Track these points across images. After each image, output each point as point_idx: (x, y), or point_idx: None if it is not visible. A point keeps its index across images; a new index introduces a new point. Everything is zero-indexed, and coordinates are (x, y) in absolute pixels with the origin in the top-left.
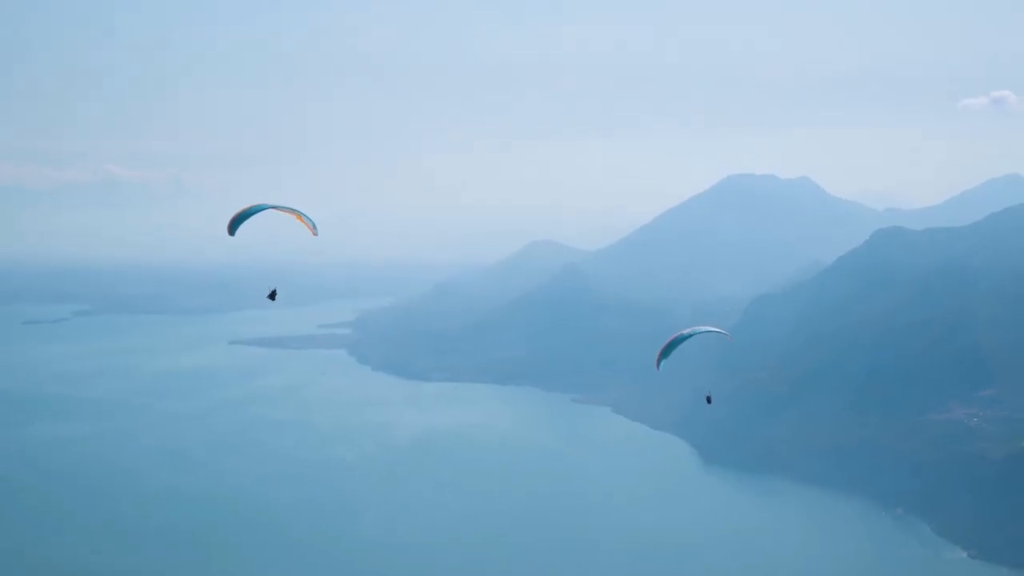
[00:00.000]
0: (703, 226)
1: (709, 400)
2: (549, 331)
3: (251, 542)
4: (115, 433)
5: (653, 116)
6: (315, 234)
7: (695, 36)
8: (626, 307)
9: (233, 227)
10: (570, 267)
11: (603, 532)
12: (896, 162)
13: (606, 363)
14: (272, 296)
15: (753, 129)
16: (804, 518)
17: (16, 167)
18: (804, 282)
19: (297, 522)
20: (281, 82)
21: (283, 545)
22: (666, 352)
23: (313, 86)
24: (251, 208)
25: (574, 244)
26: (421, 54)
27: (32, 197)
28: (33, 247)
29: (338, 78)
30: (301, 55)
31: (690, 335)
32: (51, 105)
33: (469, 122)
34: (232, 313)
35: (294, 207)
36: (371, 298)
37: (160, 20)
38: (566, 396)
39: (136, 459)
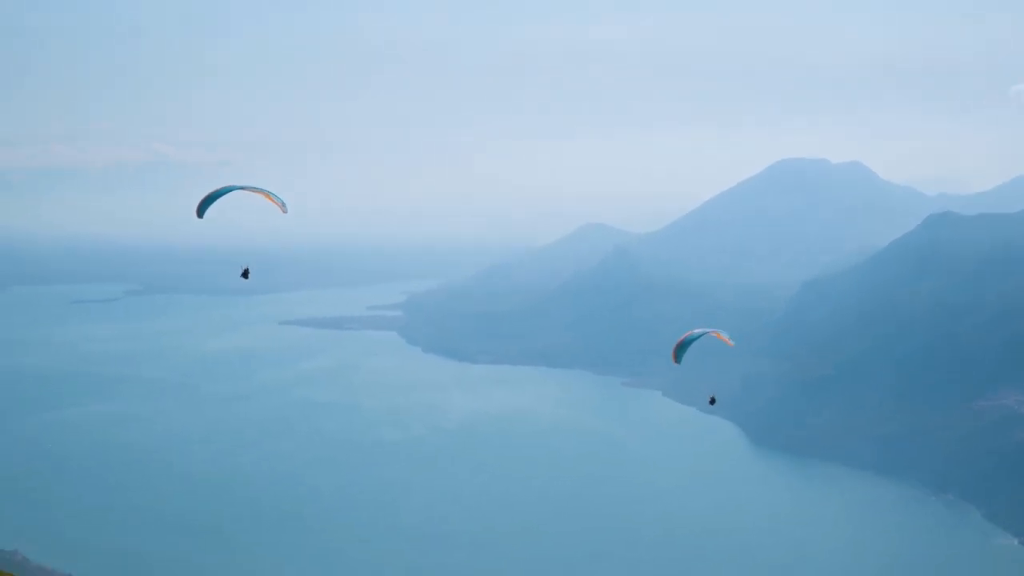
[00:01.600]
0: (753, 210)
1: (713, 401)
2: (599, 314)
3: (296, 526)
4: (161, 414)
5: (704, 101)
6: (284, 212)
7: (746, 21)
8: (676, 290)
9: (201, 209)
10: (620, 250)
11: (651, 516)
12: (948, 147)
13: (656, 346)
14: (245, 275)
15: (805, 113)
16: (852, 503)
17: (67, 148)
18: (855, 267)
19: (344, 506)
20: (329, 70)
21: (328, 530)
22: (680, 350)
23: (363, 74)
24: (219, 190)
25: (624, 227)
26: (468, 43)
27: (83, 177)
28: (84, 227)
29: (386, 66)
30: (351, 43)
31: (701, 335)
32: (105, 87)
33: (518, 109)
34: (282, 293)
35: (262, 187)
36: (421, 280)
37: (213, 9)
38: (616, 379)
39: (182, 440)
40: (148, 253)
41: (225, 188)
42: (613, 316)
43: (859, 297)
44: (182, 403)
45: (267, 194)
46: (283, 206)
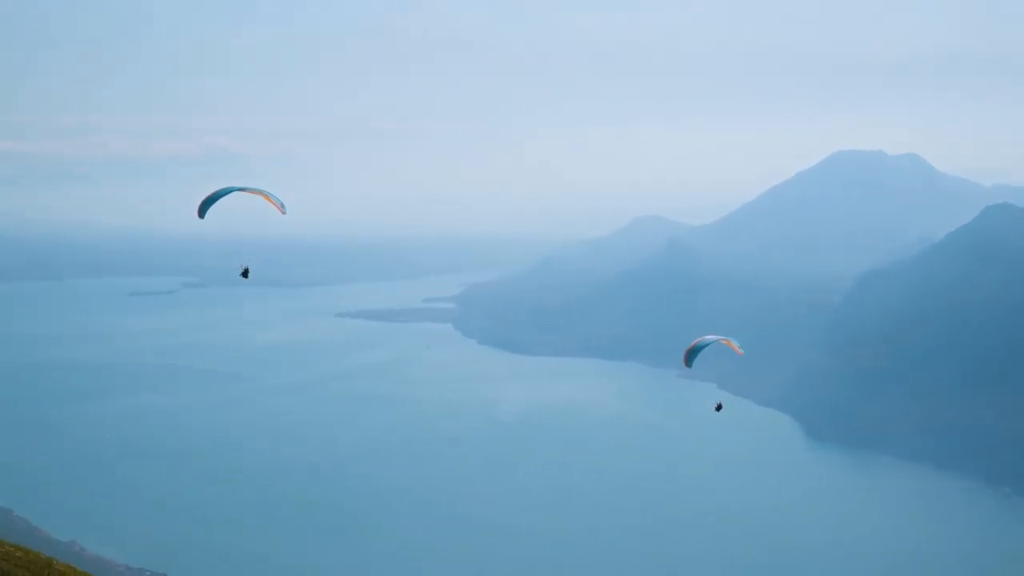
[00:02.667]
0: (809, 202)
1: (719, 407)
2: (654, 306)
3: (351, 517)
4: (218, 405)
5: (761, 91)
6: (283, 213)
7: (803, 10)
8: (731, 283)
9: (202, 210)
10: (676, 242)
11: (705, 509)
12: (1005, 139)
13: None
14: (245, 274)
15: (862, 105)
16: (908, 495)
17: (126, 140)
18: (911, 258)
19: (399, 498)
20: (383, 59)
21: (384, 521)
22: (691, 355)
23: (417, 67)
24: (219, 192)
25: (680, 219)
26: (523, 31)
27: (141, 169)
28: (141, 219)
29: (440, 58)
30: (405, 32)
31: (712, 342)
32: (166, 79)
33: (572, 101)
34: (338, 286)
35: (260, 188)
36: (477, 272)
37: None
38: (671, 372)
39: (239, 432)
40: (205, 245)
41: (225, 189)
42: (668, 308)
43: (916, 289)
44: (238, 395)
45: (266, 195)
46: (282, 207)
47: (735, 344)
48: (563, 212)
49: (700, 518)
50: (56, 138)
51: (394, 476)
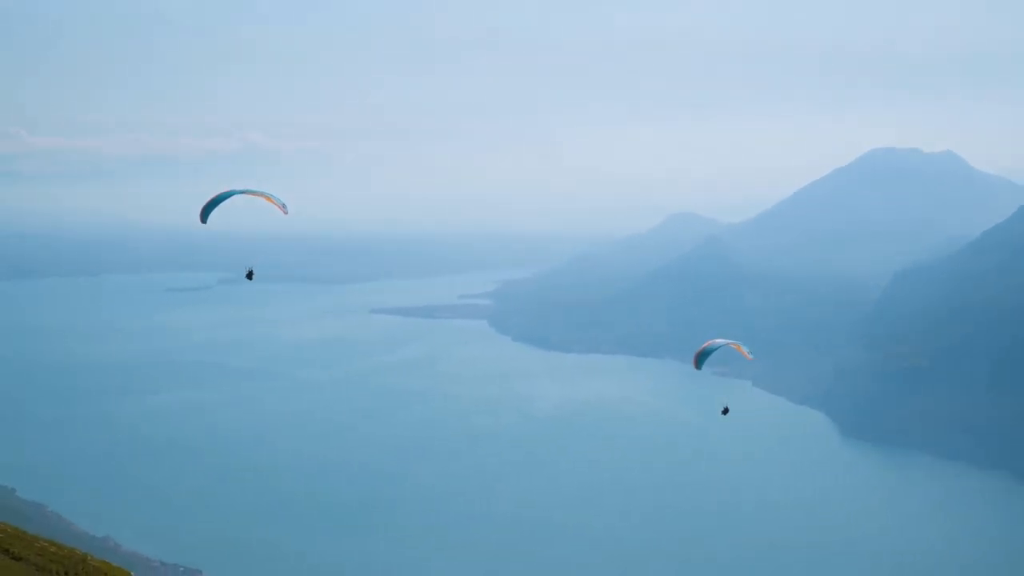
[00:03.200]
0: (845, 200)
1: (726, 411)
2: (689, 303)
3: (386, 512)
4: (253, 401)
5: (799, 90)
6: (286, 213)
7: (838, 8)
8: (767, 280)
9: (204, 215)
10: (711, 240)
11: (739, 506)
12: None
13: (747, 336)
14: (249, 276)
15: (898, 103)
16: (944, 494)
17: (159, 137)
18: (947, 256)
19: (434, 493)
20: (419, 60)
21: (418, 516)
22: (701, 358)
23: (451, 64)
24: (220, 195)
25: (715, 217)
26: (556, 30)
27: (176, 165)
28: (177, 215)
29: (475, 55)
30: (440, 34)
31: (722, 346)
32: (197, 78)
33: (607, 98)
34: (373, 282)
35: (263, 190)
36: (512, 269)
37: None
38: (706, 369)
39: (273, 429)
40: (241, 242)
41: (227, 193)
42: (703, 305)
43: (952, 287)
44: (274, 390)
45: (268, 197)
46: (284, 208)
47: (744, 349)
48: (598, 209)
49: (732, 516)
50: (93, 135)
51: (427, 472)
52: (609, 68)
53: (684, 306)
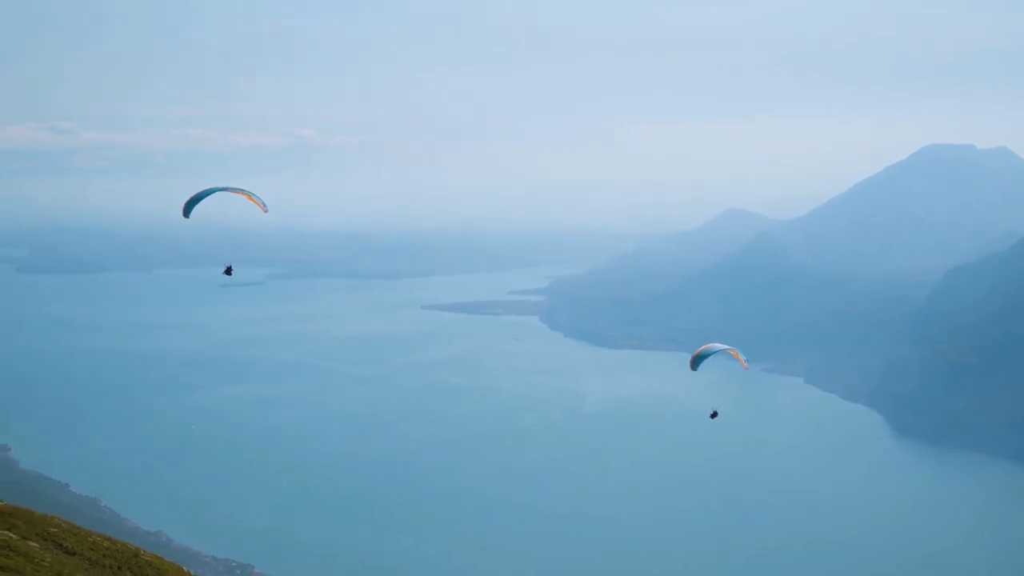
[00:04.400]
0: (898, 196)
1: (714, 415)
2: (741, 300)
3: (434, 507)
4: (303, 396)
5: (850, 85)
6: (265, 211)
7: (890, 3)
8: (818, 277)
9: (187, 210)
10: (763, 236)
11: (787, 504)
12: None
13: (798, 333)
14: (228, 272)
15: (952, 99)
16: (995, 492)
17: (210, 131)
18: (1000, 253)
19: (481, 488)
20: (468, 56)
21: (466, 511)
22: (697, 361)
23: (501, 61)
24: (202, 192)
25: (768, 213)
26: (610, 26)
27: (226, 161)
28: (228, 211)
29: (524, 53)
30: (489, 31)
31: (720, 351)
32: (248, 71)
33: (658, 95)
34: (423, 278)
35: (243, 188)
36: (564, 265)
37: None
38: (757, 366)
39: (323, 424)
40: (292, 238)
41: (209, 190)
42: (755, 302)
43: (1004, 284)
44: (324, 385)
45: (249, 195)
46: (263, 205)
47: (742, 357)
48: (650, 205)
49: (779, 512)
50: (144, 129)
51: (473, 469)
52: (663, 64)
53: (735, 303)
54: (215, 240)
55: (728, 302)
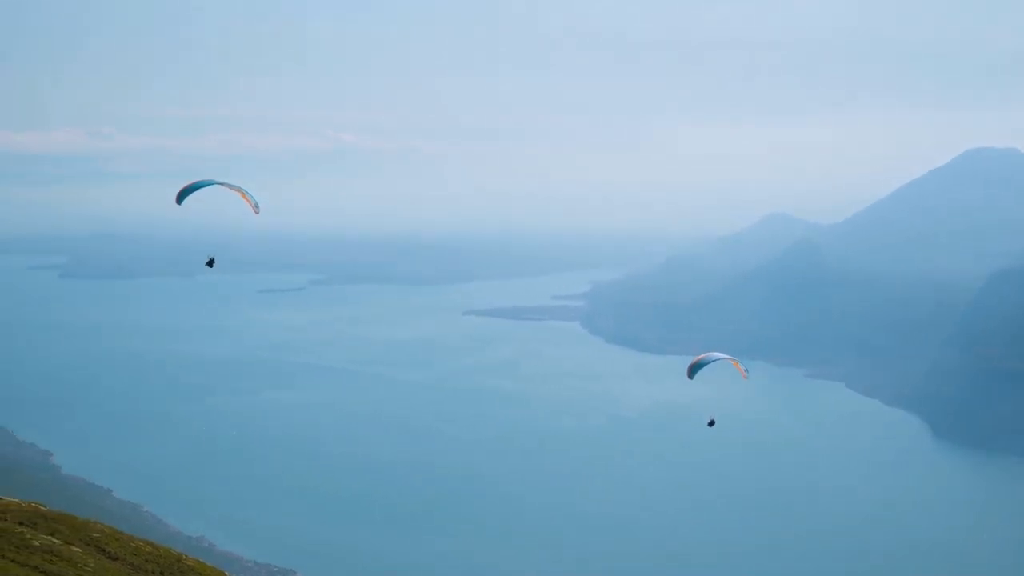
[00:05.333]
0: (942, 201)
1: (711, 423)
2: (782, 305)
3: (474, 511)
4: (345, 401)
5: (892, 89)
6: (257, 213)
7: (935, 5)
8: (861, 281)
9: (180, 198)
10: (805, 241)
11: (825, 510)
12: None
13: (840, 338)
14: (210, 263)
15: (996, 102)
16: None
17: (252, 136)
18: None
19: (521, 492)
20: (509, 58)
21: (506, 515)
22: (694, 369)
23: (543, 62)
24: (197, 183)
25: (810, 217)
26: (653, 28)
27: (267, 165)
28: (268, 215)
29: (566, 53)
30: (532, 31)
31: (718, 360)
32: (291, 75)
33: (702, 97)
34: (464, 283)
35: (239, 186)
36: (605, 269)
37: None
38: (798, 371)
39: (363, 428)
40: (333, 243)
41: (204, 182)
42: (796, 307)
43: None
44: (365, 390)
45: (243, 193)
46: (256, 207)
47: (741, 367)
48: (691, 209)
49: (820, 517)
50: (184, 134)
51: (513, 473)
52: (705, 66)
53: (777, 308)
54: (257, 247)
55: (770, 307)
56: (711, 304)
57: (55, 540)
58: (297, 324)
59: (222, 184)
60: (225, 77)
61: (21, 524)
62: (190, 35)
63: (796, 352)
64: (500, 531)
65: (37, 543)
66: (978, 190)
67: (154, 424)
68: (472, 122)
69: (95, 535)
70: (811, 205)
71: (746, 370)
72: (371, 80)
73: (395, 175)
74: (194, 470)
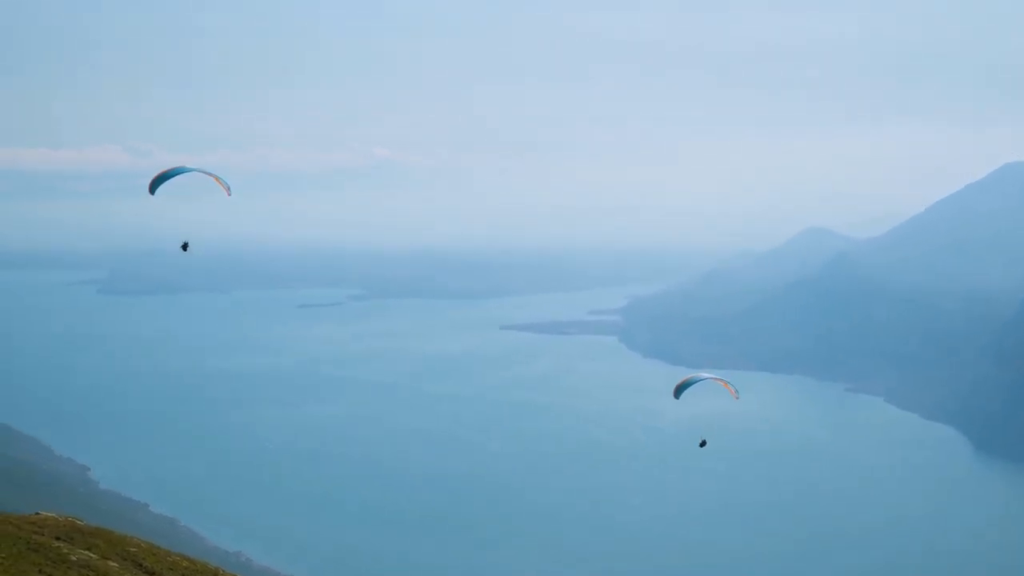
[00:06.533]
0: (979, 215)
1: (703, 444)
2: (821, 319)
3: (513, 526)
4: (384, 414)
5: (928, 101)
6: (229, 195)
7: (969, 17)
8: (899, 296)
9: (153, 187)
10: (842, 255)
11: (866, 522)
12: None
13: (879, 352)
14: (184, 247)
15: None
16: None
17: (287, 152)
18: None
19: (561, 506)
20: (543, 70)
21: (541, 530)
22: (680, 389)
23: (578, 73)
24: (171, 170)
25: (847, 231)
26: (684, 40)
27: (303, 181)
28: (305, 231)
29: (601, 64)
30: (565, 47)
31: (705, 379)
32: (324, 91)
33: (738, 110)
34: (501, 298)
35: (211, 171)
36: (643, 284)
37: (429, 12)
38: (838, 385)
39: (402, 442)
40: (369, 257)
41: (179, 169)
42: (836, 321)
43: None
44: (404, 404)
45: (216, 177)
46: (228, 189)
47: (731, 387)
48: (728, 223)
49: (860, 531)
50: (221, 150)
51: (553, 484)
52: (740, 79)
53: (815, 321)
54: (294, 262)
55: (808, 321)
56: (749, 318)
57: (92, 555)
58: (336, 338)
59: (196, 170)
60: (264, 94)
61: (58, 539)
62: (228, 54)
63: (835, 366)
64: (539, 544)
65: (74, 558)
66: (1015, 203)
67: (191, 438)
68: (508, 136)
69: (132, 550)
70: (848, 219)
71: (736, 390)
72: (406, 95)
73: (431, 189)
74: (231, 484)
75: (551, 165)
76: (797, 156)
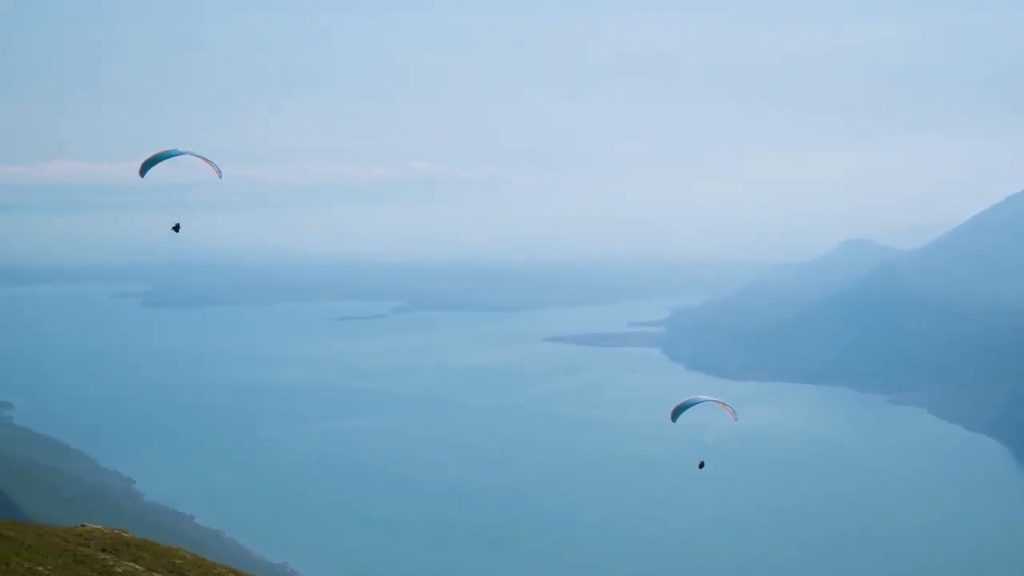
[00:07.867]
0: (1020, 226)
1: (701, 465)
2: (863, 331)
3: (553, 537)
4: (425, 427)
5: (965, 114)
6: (220, 176)
7: (1008, 21)
8: (941, 307)
9: (144, 170)
10: (885, 266)
11: (908, 535)
12: None
13: (921, 364)
14: (176, 228)
15: None
16: None
17: (328, 165)
18: None
19: (600, 518)
20: (580, 83)
21: (582, 542)
22: (679, 411)
23: (615, 86)
24: (162, 153)
25: (889, 243)
26: (720, 51)
27: (345, 195)
28: (347, 244)
29: (639, 77)
30: (593, 59)
31: (704, 402)
32: (362, 104)
33: (777, 121)
34: (541, 310)
35: (201, 154)
36: (684, 296)
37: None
38: (880, 397)
39: (444, 455)
40: (412, 270)
41: (168, 152)
42: (877, 333)
43: None
44: (445, 417)
45: (207, 160)
46: (218, 171)
47: (730, 408)
48: (771, 235)
49: (902, 542)
50: (266, 163)
51: (594, 497)
52: (779, 89)
53: (858, 333)
54: (333, 274)
55: (850, 332)
56: (792, 330)
57: (138, 567)
58: (377, 351)
59: (188, 153)
60: (303, 108)
61: (104, 551)
62: (267, 68)
63: (877, 378)
64: (581, 555)
65: (120, 570)
66: None
67: (235, 451)
68: (548, 148)
69: (178, 562)
70: (890, 230)
71: (735, 412)
72: (443, 109)
73: (470, 202)
74: (275, 496)
75: (591, 176)
76: (837, 167)
